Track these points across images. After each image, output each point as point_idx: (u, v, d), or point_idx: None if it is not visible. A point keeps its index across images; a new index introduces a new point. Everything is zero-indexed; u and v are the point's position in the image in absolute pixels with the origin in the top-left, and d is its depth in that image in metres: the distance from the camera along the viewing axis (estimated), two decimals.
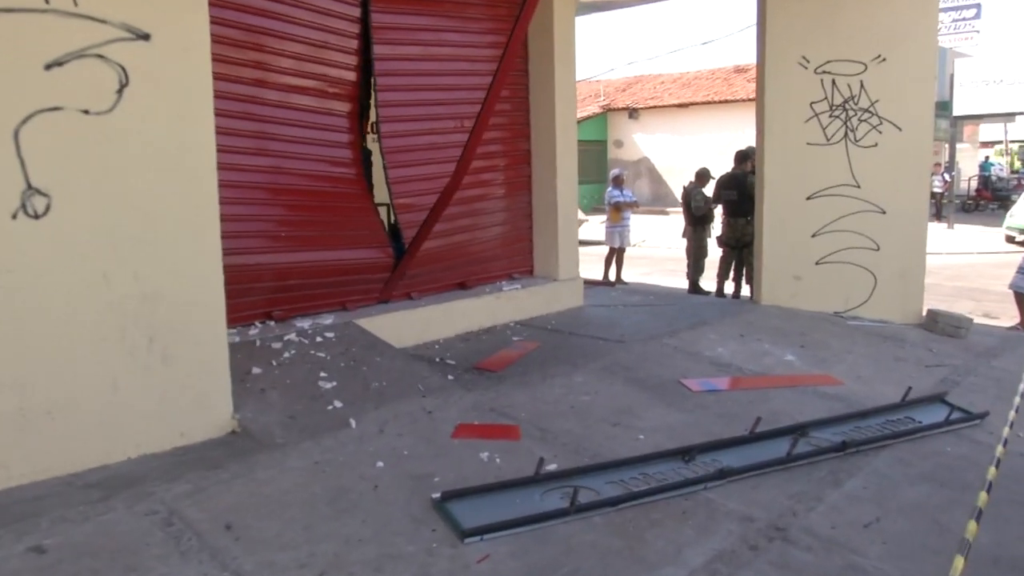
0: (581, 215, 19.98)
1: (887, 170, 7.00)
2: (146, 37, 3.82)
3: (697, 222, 11.15)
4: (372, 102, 6.26)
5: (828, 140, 7.06)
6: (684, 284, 11.05)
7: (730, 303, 7.58)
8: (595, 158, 27.53)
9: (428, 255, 6.41)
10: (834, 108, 7.03)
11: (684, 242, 11.38)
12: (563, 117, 7.08)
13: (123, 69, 3.77)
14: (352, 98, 6.04)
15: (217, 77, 5.20)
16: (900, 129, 6.96)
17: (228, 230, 5.39)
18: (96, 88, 3.70)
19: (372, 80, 6.08)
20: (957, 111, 21.86)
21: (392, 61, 6.13)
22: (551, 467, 3.93)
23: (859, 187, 7.06)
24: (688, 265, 11.29)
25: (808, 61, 6.97)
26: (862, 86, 6.99)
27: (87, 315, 3.74)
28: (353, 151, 6.09)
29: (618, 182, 12.88)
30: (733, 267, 9.76)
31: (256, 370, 4.78)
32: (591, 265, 12.87)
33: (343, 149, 6.00)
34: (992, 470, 3.36)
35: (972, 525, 2.79)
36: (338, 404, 4.52)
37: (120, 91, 3.77)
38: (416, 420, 4.46)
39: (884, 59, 6.90)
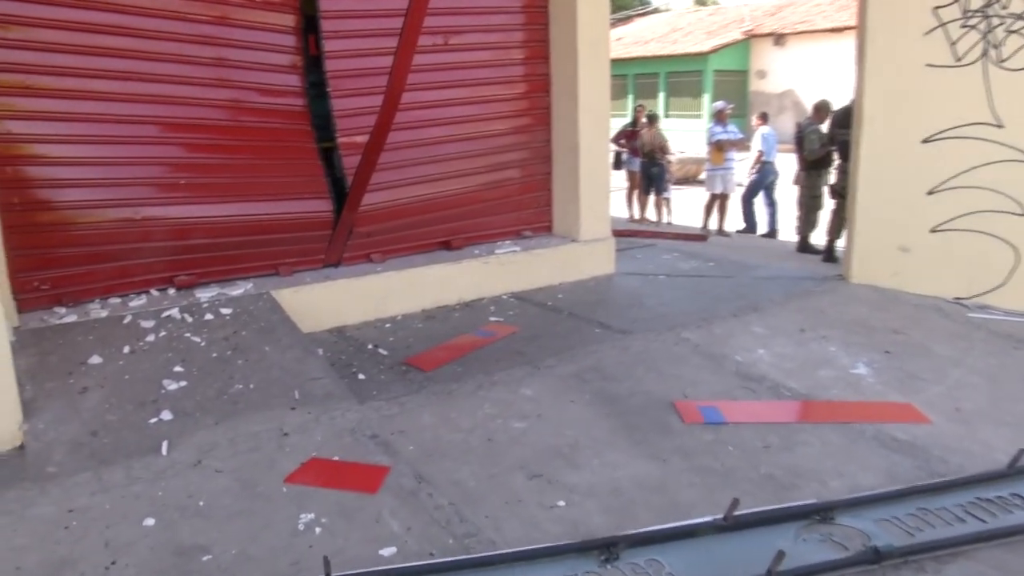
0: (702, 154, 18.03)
1: None
2: None
3: (811, 166, 9.26)
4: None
5: (958, 60, 5.01)
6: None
7: (806, 281, 5.76)
8: (734, 90, 24.77)
9: (392, 209, 5.08)
10: (969, 14, 4.95)
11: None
12: (589, 31, 5.41)
13: None
14: (293, 7, 4.72)
15: None
16: None
17: (108, 177, 4.33)
18: None
19: None
20: None
21: None
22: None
23: (1002, 127, 4.99)
24: (798, 218, 9.45)
25: None
26: None
27: None
28: (296, 77, 4.79)
29: (721, 117, 11.00)
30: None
31: (95, 360, 3.68)
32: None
33: (279, 74, 4.72)
34: None
35: None
36: (166, 416, 3.35)
37: None
38: (257, 447, 3.21)
39: None
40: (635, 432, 3.42)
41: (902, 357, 4.35)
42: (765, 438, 3.40)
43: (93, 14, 4.03)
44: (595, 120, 5.61)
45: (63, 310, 4.11)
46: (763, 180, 10.93)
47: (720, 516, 2.72)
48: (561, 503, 2.90)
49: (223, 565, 2.52)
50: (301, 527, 2.71)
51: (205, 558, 2.55)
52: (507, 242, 5.62)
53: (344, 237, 4.83)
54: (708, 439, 3.39)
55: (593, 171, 5.68)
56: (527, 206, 5.81)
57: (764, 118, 11.16)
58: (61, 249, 4.14)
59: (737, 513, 2.72)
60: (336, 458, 3.16)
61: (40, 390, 3.44)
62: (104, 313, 4.11)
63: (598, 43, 5.49)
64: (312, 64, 4.83)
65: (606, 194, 5.86)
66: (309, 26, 4.77)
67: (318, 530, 2.70)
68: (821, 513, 2.81)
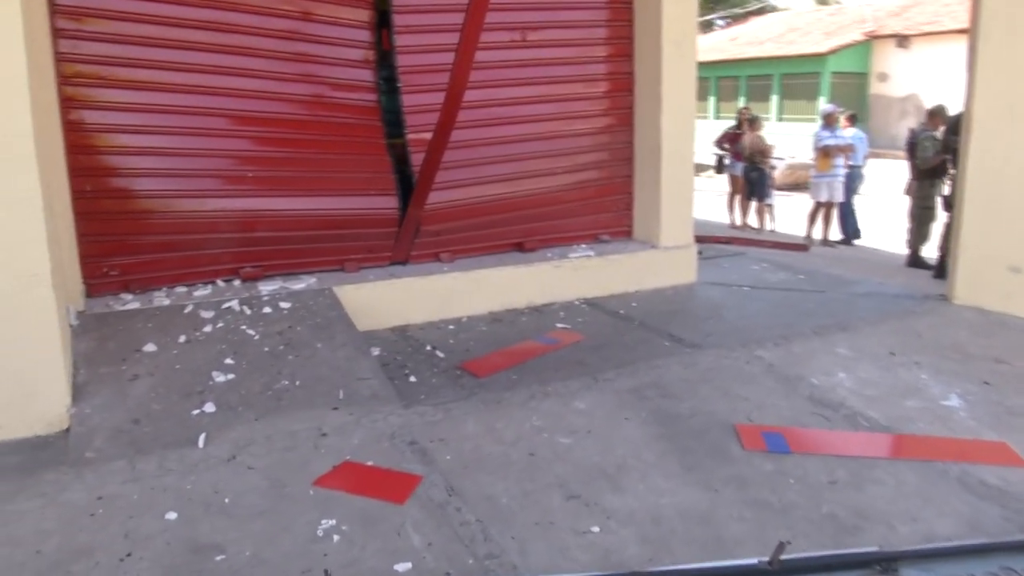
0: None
1: None
2: None
3: (924, 175, 8.68)
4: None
5: None
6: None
7: (905, 299, 5.29)
8: (853, 93, 23.61)
9: (461, 207, 4.99)
10: None
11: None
12: (674, 28, 5.15)
13: None
14: (367, 2, 4.68)
15: None
16: None
17: (179, 167, 4.39)
18: None
19: None
20: None
21: None
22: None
23: None
24: (909, 230, 8.87)
25: None
26: None
27: None
28: (368, 72, 4.75)
29: (830, 121, 10.44)
30: None
31: (150, 348, 3.73)
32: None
33: (351, 69, 4.70)
34: None
35: None
36: (209, 408, 3.34)
37: None
38: (293, 446, 3.15)
39: None
40: (688, 456, 3.18)
41: (1003, 390, 3.91)
42: (832, 472, 3.09)
43: (167, 7, 4.10)
44: (679, 121, 5.33)
45: (129, 296, 4.20)
46: (851, 186, 10.46)
47: (765, 559, 2.46)
48: (595, 528, 2.70)
49: (235, 567, 2.46)
50: (320, 533, 2.63)
51: (218, 558, 2.49)
52: (582, 246, 5.42)
53: (411, 235, 4.76)
54: (768, 469, 3.11)
55: (676, 175, 5.41)
56: (606, 209, 5.59)
57: (852, 120, 10.75)
58: (131, 237, 4.24)
59: (785, 557, 2.45)
60: (370, 463, 3.07)
61: (93, 375, 3.50)
62: (167, 302, 4.17)
63: (683, 41, 5.22)
64: (384, 59, 4.78)
65: (689, 199, 5.58)
66: (382, 21, 4.72)
67: (336, 538, 2.60)
68: (883, 563, 2.49)
